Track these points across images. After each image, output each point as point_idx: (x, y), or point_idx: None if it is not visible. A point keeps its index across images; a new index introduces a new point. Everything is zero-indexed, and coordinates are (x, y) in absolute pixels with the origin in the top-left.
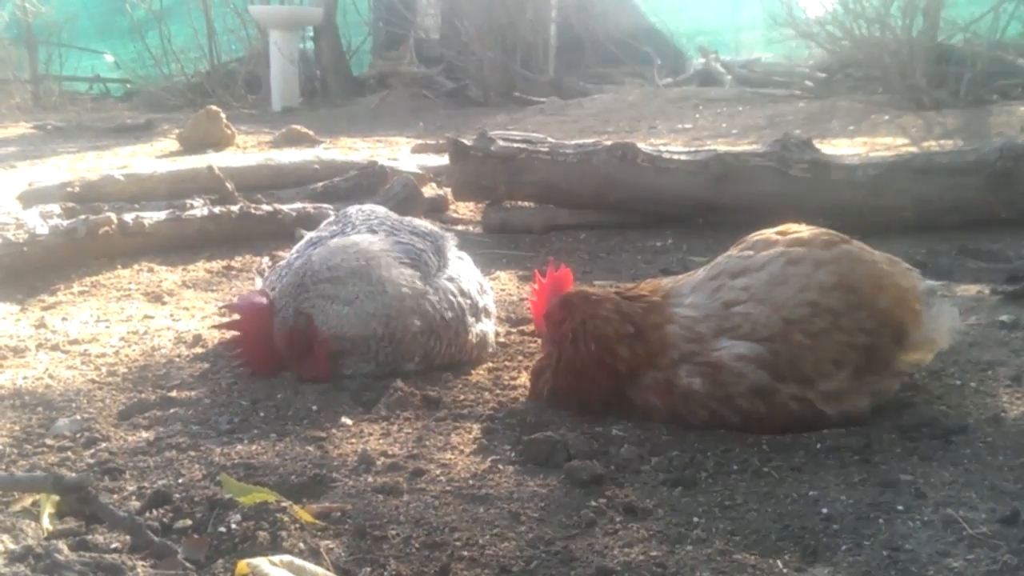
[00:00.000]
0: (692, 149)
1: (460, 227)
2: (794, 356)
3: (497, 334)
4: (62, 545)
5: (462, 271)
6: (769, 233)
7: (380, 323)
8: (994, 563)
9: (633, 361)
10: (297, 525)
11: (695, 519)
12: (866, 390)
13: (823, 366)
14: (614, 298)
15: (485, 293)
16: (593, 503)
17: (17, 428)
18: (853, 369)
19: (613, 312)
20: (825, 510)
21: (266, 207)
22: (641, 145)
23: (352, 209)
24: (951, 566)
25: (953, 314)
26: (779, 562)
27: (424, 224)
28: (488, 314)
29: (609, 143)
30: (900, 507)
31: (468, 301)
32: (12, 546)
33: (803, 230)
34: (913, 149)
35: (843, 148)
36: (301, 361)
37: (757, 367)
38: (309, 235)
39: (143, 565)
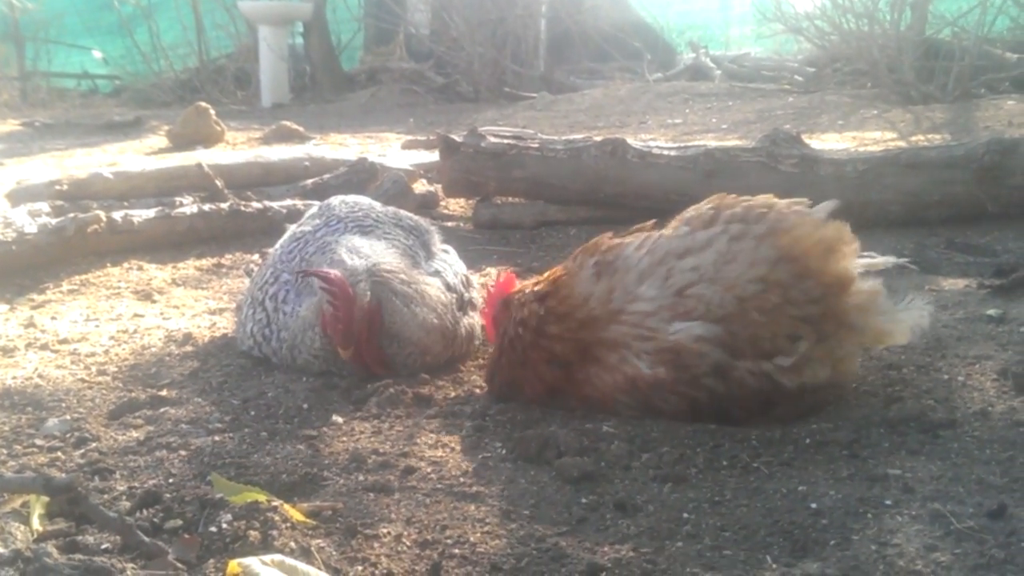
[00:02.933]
0: (682, 144)
1: (451, 223)
2: (752, 334)
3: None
4: (51, 548)
5: (447, 264)
6: (702, 208)
7: (436, 336)
8: (981, 557)
9: (570, 352)
10: (288, 524)
11: (685, 515)
12: (827, 360)
13: (779, 341)
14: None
15: (471, 287)
16: (584, 500)
17: (6, 428)
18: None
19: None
20: (814, 505)
21: (256, 204)
22: (631, 141)
23: (335, 200)
24: (939, 560)
25: (920, 308)
26: (768, 557)
27: (409, 216)
28: (474, 307)
29: (599, 139)
30: (888, 502)
31: (454, 296)
32: (1, 550)
33: (736, 204)
34: (901, 143)
35: (832, 143)
36: (369, 342)
37: (715, 346)
38: (292, 229)
39: (133, 567)
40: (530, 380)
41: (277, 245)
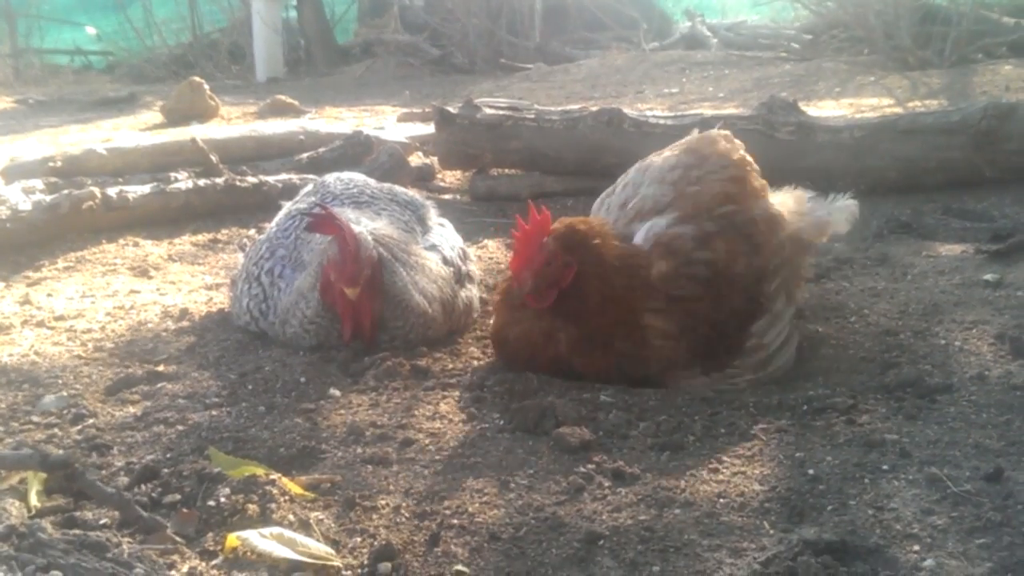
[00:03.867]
0: (678, 114)
1: (447, 196)
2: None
3: (482, 300)
4: (46, 524)
5: (444, 238)
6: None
7: (437, 308)
8: (978, 520)
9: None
10: (287, 497)
11: (682, 483)
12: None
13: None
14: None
15: (468, 260)
16: (582, 469)
17: (3, 405)
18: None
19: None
20: (811, 471)
21: (251, 179)
22: (627, 111)
23: (330, 178)
24: (935, 524)
25: (846, 202)
26: (766, 523)
27: (404, 191)
28: (471, 279)
29: (595, 109)
30: (885, 467)
31: (451, 269)
32: None
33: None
34: (898, 110)
35: (829, 110)
36: (371, 296)
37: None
38: (288, 206)
39: (129, 541)
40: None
41: (273, 222)
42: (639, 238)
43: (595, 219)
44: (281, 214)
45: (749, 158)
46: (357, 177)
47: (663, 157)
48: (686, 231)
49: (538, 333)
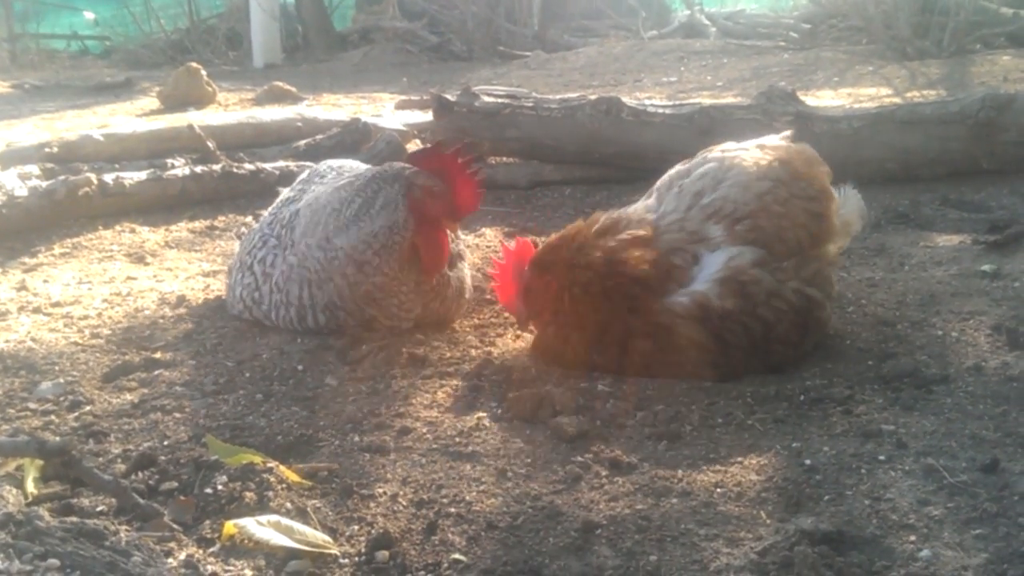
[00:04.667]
0: (677, 103)
1: None
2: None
3: (479, 289)
4: (43, 512)
5: None
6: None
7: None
8: (974, 511)
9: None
10: (284, 485)
11: (680, 472)
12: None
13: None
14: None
15: (457, 238)
16: (579, 458)
17: (0, 392)
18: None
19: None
20: (808, 461)
21: (248, 166)
22: (626, 99)
23: (323, 166)
24: (931, 514)
25: (857, 196)
26: (763, 513)
27: None
28: (461, 258)
29: (594, 97)
30: (882, 457)
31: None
32: None
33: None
34: (897, 100)
35: (827, 99)
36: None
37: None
38: (284, 193)
39: (126, 529)
40: (599, 326)
41: (269, 211)
42: (718, 259)
43: (572, 231)
44: (277, 203)
45: (831, 190)
46: (349, 164)
47: (752, 157)
48: (764, 278)
49: (556, 339)
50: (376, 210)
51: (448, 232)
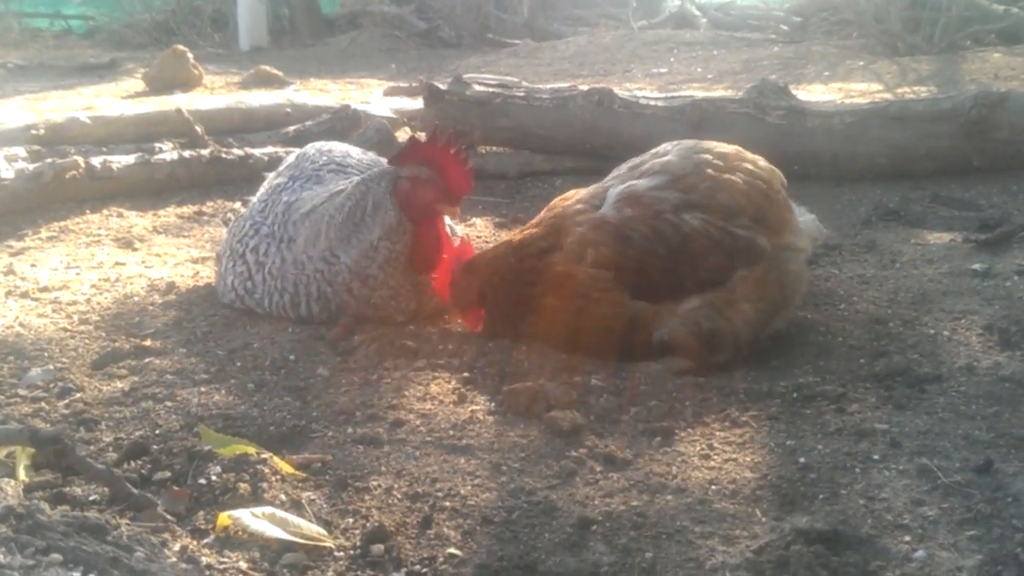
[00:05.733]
0: (669, 95)
1: None
2: (708, 187)
3: None
4: (44, 505)
5: None
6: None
7: None
8: (968, 511)
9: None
10: (278, 477)
11: (674, 469)
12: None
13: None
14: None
15: (453, 234)
16: (573, 453)
17: None
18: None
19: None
20: (802, 459)
21: (237, 151)
22: (618, 91)
23: (311, 150)
24: (926, 515)
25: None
26: (757, 511)
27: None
28: None
29: (585, 88)
30: (876, 456)
31: None
32: None
33: None
34: (887, 95)
35: (818, 94)
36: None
37: (671, 191)
38: (271, 179)
39: (127, 523)
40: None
41: (255, 197)
42: (618, 188)
43: (505, 240)
44: (264, 188)
45: (781, 187)
46: (337, 146)
47: (708, 143)
48: (668, 196)
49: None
50: (369, 211)
51: (447, 221)
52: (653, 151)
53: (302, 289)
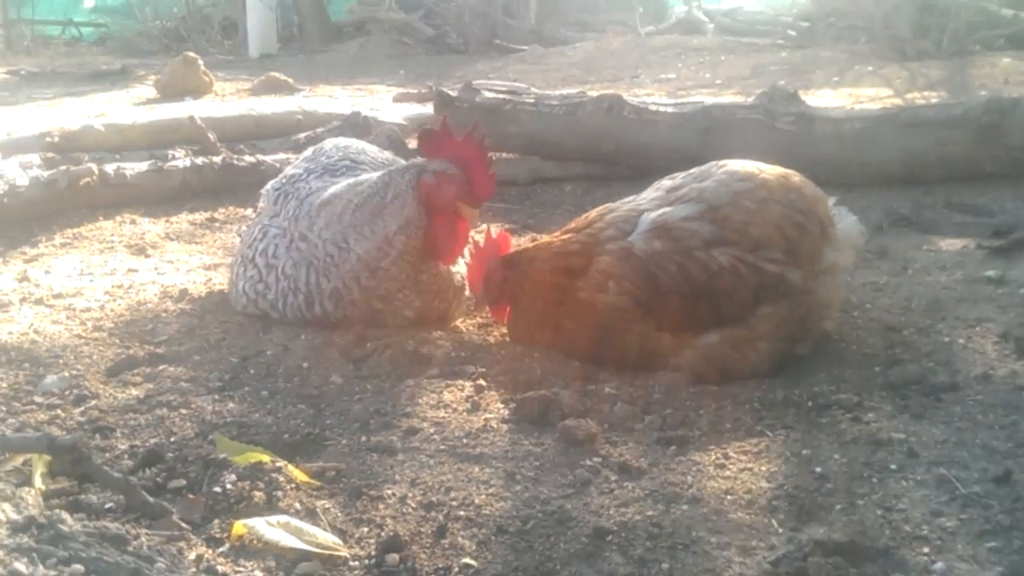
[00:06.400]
0: (678, 101)
1: None
2: (743, 221)
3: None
4: (65, 515)
5: None
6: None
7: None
8: (987, 523)
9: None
10: (293, 485)
11: (689, 478)
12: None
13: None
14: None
15: None
16: (588, 462)
17: (4, 385)
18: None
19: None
20: (819, 469)
21: (249, 158)
22: (627, 97)
23: (328, 145)
24: (944, 526)
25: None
26: (774, 521)
27: (400, 161)
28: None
29: (595, 95)
30: (893, 466)
31: None
32: (14, 516)
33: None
34: (897, 101)
35: (827, 99)
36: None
37: (704, 223)
38: (287, 171)
39: (147, 533)
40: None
41: (272, 185)
42: (650, 216)
43: (546, 241)
44: (281, 179)
45: (827, 216)
46: (354, 143)
47: (749, 166)
48: (700, 229)
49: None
50: (389, 202)
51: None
52: (695, 172)
53: (313, 280)
